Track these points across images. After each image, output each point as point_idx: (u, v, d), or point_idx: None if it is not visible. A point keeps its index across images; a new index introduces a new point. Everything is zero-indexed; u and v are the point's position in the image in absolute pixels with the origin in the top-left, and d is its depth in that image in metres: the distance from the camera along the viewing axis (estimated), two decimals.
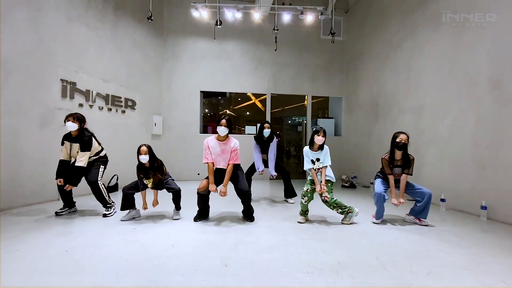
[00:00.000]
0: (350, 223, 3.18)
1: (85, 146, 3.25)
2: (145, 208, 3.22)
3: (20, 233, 2.70)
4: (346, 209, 3.15)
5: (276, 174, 4.24)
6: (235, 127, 8.88)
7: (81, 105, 4.62)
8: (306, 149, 3.26)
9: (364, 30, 6.68)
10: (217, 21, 5.87)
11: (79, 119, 3.30)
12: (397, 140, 3.13)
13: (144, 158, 3.08)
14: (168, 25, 6.81)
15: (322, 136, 3.14)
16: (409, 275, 1.92)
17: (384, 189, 3.21)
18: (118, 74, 5.43)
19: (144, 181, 3.19)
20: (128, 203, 3.18)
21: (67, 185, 3.26)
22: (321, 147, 3.21)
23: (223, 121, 3.12)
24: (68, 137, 3.32)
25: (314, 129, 3.22)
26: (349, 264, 2.09)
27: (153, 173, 3.19)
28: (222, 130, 3.12)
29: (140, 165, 3.17)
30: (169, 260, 2.11)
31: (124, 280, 1.79)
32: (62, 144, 3.33)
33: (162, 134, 6.72)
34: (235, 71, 7.13)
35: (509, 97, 3.30)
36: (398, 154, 3.18)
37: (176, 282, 1.78)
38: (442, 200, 3.99)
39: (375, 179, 3.41)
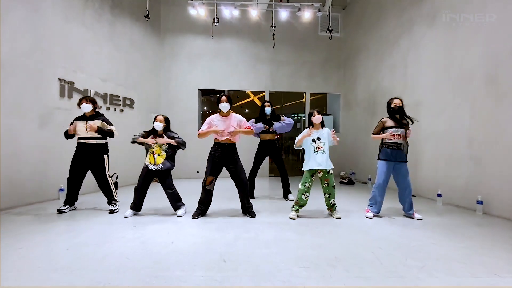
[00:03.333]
0: (339, 217, 3.27)
1: (109, 121, 3.58)
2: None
3: (23, 231, 2.74)
4: (334, 202, 3.35)
5: (277, 128, 4.20)
6: None
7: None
8: (306, 129, 3.34)
9: (361, 26, 6.69)
10: (214, 19, 5.88)
11: (92, 101, 3.48)
12: (392, 106, 3.25)
13: (158, 125, 3.23)
14: (165, 24, 6.81)
15: (318, 115, 3.26)
16: (403, 268, 1.97)
17: (386, 178, 3.26)
18: (116, 73, 5.45)
19: (153, 146, 3.26)
20: (138, 206, 3.35)
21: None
22: (322, 126, 3.32)
23: (224, 97, 3.23)
24: (81, 118, 3.47)
25: (309, 112, 3.36)
26: (345, 258, 2.14)
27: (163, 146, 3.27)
28: (225, 106, 3.22)
29: (153, 132, 3.30)
30: (169, 257, 2.15)
31: (124, 276, 1.84)
32: (71, 124, 3.46)
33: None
34: (233, 69, 7.14)
35: (504, 93, 3.33)
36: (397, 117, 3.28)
37: (175, 277, 1.82)
38: (439, 195, 4.04)
39: (379, 158, 3.38)
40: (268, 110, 4.21)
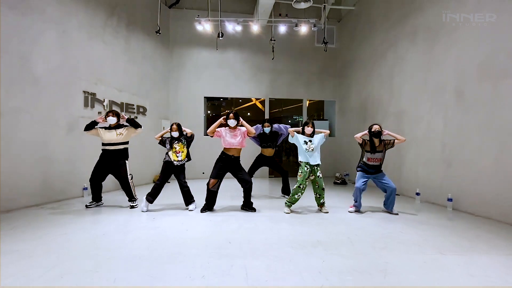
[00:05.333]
0: (327, 212, 3.82)
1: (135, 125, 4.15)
2: None
3: (61, 222, 3.31)
4: (324, 200, 3.90)
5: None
6: None
7: (99, 113, 5.23)
8: (298, 134, 3.92)
9: (354, 39, 7.25)
10: (219, 33, 6.48)
11: (117, 114, 4.08)
12: (372, 130, 3.80)
13: (175, 134, 3.97)
14: (174, 38, 7.43)
15: (311, 127, 3.87)
16: (370, 248, 2.52)
17: (363, 182, 3.80)
18: (130, 84, 6.05)
19: (176, 146, 3.93)
20: (153, 196, 3.94)
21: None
22: (312, 135, 3.90)
23: (231, 115, 3.86)
24: (105, 128, 4.05)
25: (304, 121, 3.98)
26: (326, 241, 2.69)
27: (183, 141, 3.99)
28: (232, 122, 3.84)
29: (172, 138, 3.99)
30: (185, 240, 2.71)
31: (154, 252, 2.40)
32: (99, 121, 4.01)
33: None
34: (236, 78, 7.74)
35: (469, 106, 3.87)
36: (376, 141, 3.81)
37: (192, 254, 2.38)
38: (417, 194, 4.57)
39: (357, 170, 3.97)
40: (267, 130, 4.75)
